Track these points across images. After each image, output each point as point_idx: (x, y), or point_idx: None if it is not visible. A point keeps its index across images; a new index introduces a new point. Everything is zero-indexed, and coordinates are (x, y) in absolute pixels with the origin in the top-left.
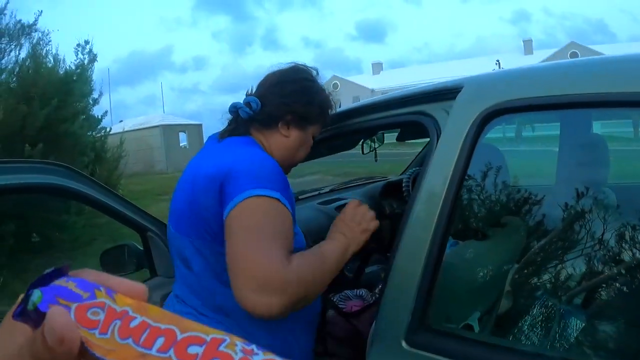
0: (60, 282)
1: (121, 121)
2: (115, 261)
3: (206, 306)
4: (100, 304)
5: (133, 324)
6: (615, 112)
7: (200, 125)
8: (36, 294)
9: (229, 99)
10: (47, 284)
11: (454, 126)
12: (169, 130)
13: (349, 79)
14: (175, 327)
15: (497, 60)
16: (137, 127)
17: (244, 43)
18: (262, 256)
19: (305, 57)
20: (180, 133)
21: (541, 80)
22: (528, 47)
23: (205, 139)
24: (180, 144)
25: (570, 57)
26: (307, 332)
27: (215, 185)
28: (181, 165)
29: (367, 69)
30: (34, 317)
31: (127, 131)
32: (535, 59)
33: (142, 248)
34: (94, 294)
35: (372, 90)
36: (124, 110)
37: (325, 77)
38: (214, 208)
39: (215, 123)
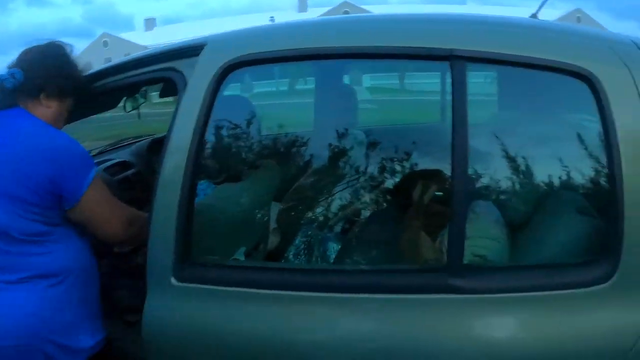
0: None
1: None
2: None
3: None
4: None
5: None
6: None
7: None
8: None
9: None
10: None
11: (198, 79)
12: None
13: (121, 36)
14: None
15: (272, 17)
16: None
17: None
18: None
19: (74, 13)
20: None
21: (274, 36)
22: (302, 4)
23: None
24: None
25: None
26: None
27: (48, 163)
28: None
29: (140, 26)
30: None
31: None
32: (309, 16)
33: None
34: None
35: (145, 48)
36: None
37: (95, 34)
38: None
39: None
